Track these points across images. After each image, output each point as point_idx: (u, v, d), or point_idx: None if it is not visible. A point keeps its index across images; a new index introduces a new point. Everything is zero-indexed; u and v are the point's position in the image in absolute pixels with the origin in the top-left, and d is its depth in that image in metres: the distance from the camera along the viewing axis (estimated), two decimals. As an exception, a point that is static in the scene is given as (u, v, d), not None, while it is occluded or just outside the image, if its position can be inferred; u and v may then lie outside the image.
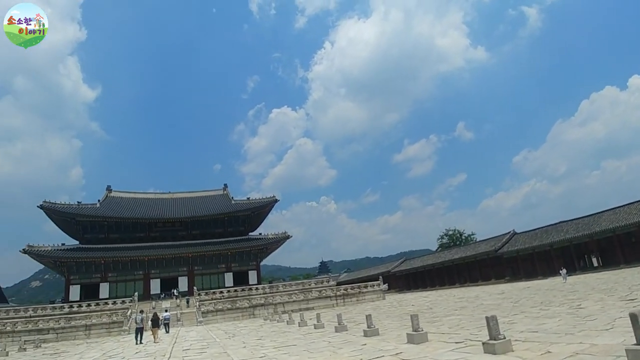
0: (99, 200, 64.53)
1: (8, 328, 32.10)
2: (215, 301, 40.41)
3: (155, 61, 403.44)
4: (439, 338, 11.19)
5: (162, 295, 52.14)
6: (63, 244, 57.57)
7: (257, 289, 47.80)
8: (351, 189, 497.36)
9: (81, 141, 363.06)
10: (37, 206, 55.58)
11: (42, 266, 69.95)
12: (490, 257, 53.65)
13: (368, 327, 13.69)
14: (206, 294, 45.13)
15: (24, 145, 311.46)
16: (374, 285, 46.35)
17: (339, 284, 54.90)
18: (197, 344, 16.63)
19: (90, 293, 53.88)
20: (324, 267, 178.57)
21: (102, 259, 55.04)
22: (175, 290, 52.56)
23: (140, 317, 21.96)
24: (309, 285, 51.17)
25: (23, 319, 34.16)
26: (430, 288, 61.67)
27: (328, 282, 51.98)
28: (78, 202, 62.04)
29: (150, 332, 21.81)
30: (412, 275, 71.06)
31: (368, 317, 13.96)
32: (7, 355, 22.02)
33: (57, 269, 59.96)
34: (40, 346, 27.71)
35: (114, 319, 35.28)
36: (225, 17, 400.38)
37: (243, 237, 63.80)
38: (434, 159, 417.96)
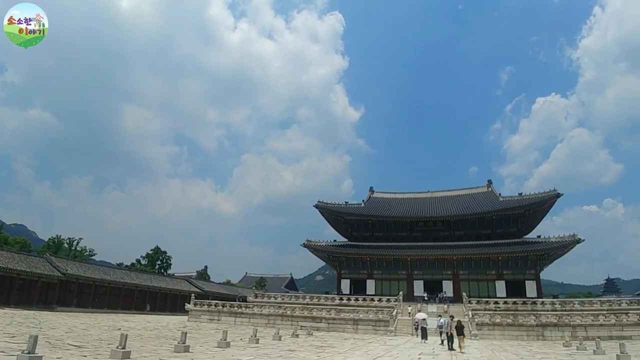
0: (363, 201, 66.86)
1: (288, 312, 34.18)
2: (490, 313, 33.39)
3: (407, 73, 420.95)
4: None
5: (426, 298, 48.26)
6: (334, 241, 61.75)
7: (543, 303, 37.90)
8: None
9: (350, 156, 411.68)
10: (313, 205, 61.52)
11: (324, 263, 78.01)
12: None
13: None
14: (477, 302, 38.48)
15: (308, 163, 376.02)
16: None
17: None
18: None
19: (358, 288, 55.18)
20: (611, 286, 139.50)
21: (368, 256, 55.68)
22: (440, 294, 47.92)
23: (447, 321, 20.76)
24: (619, 304, 37.67)
25: (300, 305, 36.00)
26: None
27: (649, 303, 36.91)
28: (345, 202, 65.60)
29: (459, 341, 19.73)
30: None
31: None
32: (279, 339, 21.69)
33: (331, 263, 64.71)
34: (311, 334, 27.55)
35: (380, 316, 33.22)
36: (472, 10, 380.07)
37: (516, 240, 53.63)
38: None
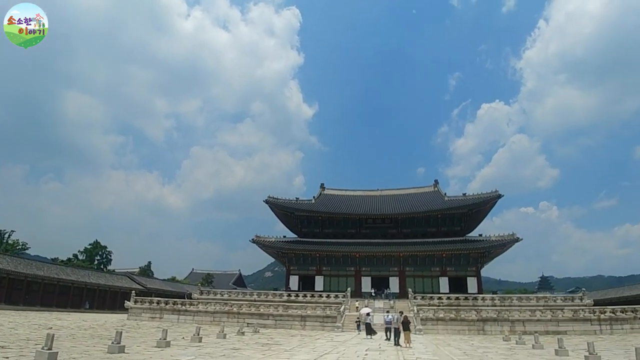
0: (314, 197, 67.05)
1: (235, 309, 33.50)
2: (434, 308, 34.52)
3: (360, 73, 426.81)
4: None
5: (373, 294, 49.24)
6: (284, 237, 61.39)
7: (483, 299, 39.75)
8: (579, 192, 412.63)
9: (302, 152, 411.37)
10: (263, 201, 60.81)
11: (273, 259, 77.26)
12: None
13: None
14: (422, 298, 39.70)
15: (260, 158, 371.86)
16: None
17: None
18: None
19: (307, 284, 55.28)
20: (545, 283, 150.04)
21: (317, 252, 55.93)
22: (386, 290, 49.08)
23: (396, 316, 20.77)
24: (554, 301, 40.17)
25: (247, 302, 35.41)
26: None
27: (581, 300, 39.62)
28: (296, 198, 65.58)
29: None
30: None
31: None
32: (224, 337, 21.15)
33: (280, 259, 64.40)
34: (258, 331, 27.13)
35: (328, 312, 33.34)
36: (425, 17, 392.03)
37: (459, 239, 56.02)
38: None
